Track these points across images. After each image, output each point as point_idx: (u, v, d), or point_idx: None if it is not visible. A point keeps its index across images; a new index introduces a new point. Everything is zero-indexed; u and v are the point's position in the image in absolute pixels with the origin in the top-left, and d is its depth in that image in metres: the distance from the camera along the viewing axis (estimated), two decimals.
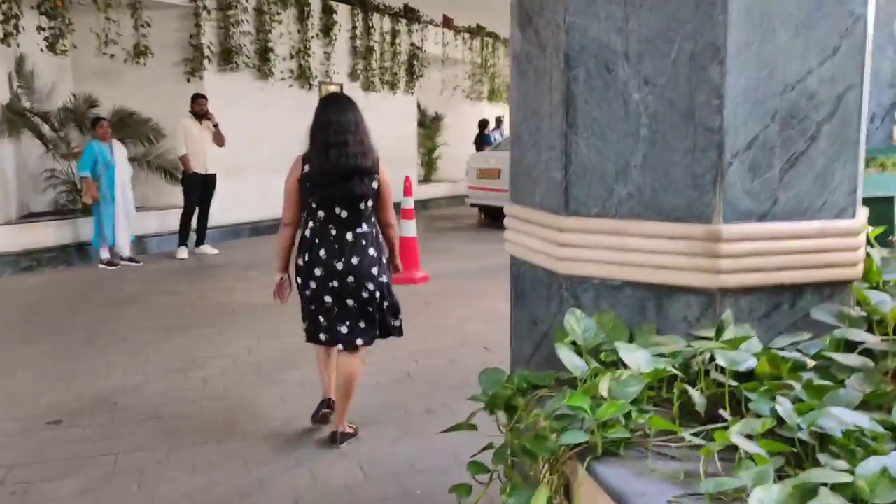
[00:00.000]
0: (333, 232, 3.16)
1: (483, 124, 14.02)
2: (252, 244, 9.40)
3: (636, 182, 1.70)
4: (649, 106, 1.67)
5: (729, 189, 1.62)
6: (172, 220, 8.61)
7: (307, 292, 3.23)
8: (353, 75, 11.86)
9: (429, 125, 15.13)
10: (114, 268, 7.67)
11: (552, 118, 1.82)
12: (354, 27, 11.89)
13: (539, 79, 1.88)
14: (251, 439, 3.40)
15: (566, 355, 1.45)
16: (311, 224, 3.21)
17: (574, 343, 1.70)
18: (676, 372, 1.41)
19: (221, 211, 8.94)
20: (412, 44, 13.36)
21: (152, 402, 3.88)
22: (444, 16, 14.41)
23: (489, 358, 4.55)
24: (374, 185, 3.20)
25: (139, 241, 8.39)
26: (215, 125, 8.20)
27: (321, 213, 3.17)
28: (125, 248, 7.85)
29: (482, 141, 13.52)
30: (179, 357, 4.63)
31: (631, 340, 1.69)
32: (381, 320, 3.29)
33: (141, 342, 4.97)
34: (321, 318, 3.24)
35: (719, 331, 1.57)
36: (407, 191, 7.29)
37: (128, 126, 8.78)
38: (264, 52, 10.04)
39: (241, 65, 9.72)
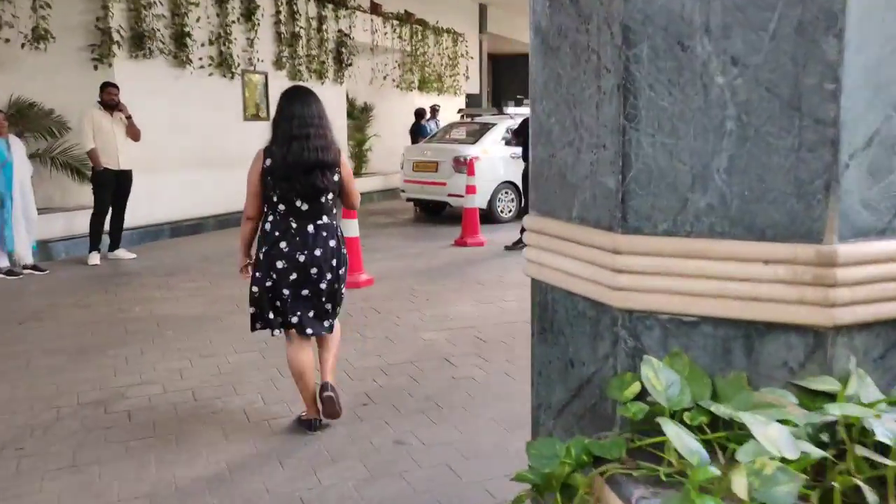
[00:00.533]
0: (294, 224, 3.19)
1: (419, 114, 13.49)
2: (172, 246, 8.65)
3: (719, 191, 1.33)
4: (738, 93, 1.30)
5: (844, 198, 1.26)
6: (82, 222, 7.78)
7: (267, 283, 3.20)
8: (278, 63, 11.16)
9: (358, 116, 14.56)
10: (15, 278, 6.84)
11: (601, 109, 1.42)
12: (278, 12, 11.17)
13: (579, 58, 1.48)
14: (191, 490, 2.88)
15: (677, 435, 1.05)
16: (271, 217, 3.22)
17: (640, 397, 1.33)
18: (830, 457, 1.04)
19: (137, 210, 8.15)
20: (340, 30, 12.73)
21: (67, 445, 3.27)
22: (372, 1, 13.83)
23: (454, 373, 4.15)
24: (336, 178, 3.24)
25: (43, 247, 7.55)
26: (128, 117, 7.45)
27: (282, 207, 3.18)
28: (26, 256, 7.04)
29: (418, 132, 13.00)
30: (97, 386, 4.01)
31: (714, 393, 1.33)
32: (331, 310, 3.34)
33: (50, 368, 4.30)
34: (278, 305, 3.23)
35: (843, 383, 1.22)
36: None
37: (27, 118, 8.03)
38: (181, 38, 9.28)
39: (155, 51, 8.93)
